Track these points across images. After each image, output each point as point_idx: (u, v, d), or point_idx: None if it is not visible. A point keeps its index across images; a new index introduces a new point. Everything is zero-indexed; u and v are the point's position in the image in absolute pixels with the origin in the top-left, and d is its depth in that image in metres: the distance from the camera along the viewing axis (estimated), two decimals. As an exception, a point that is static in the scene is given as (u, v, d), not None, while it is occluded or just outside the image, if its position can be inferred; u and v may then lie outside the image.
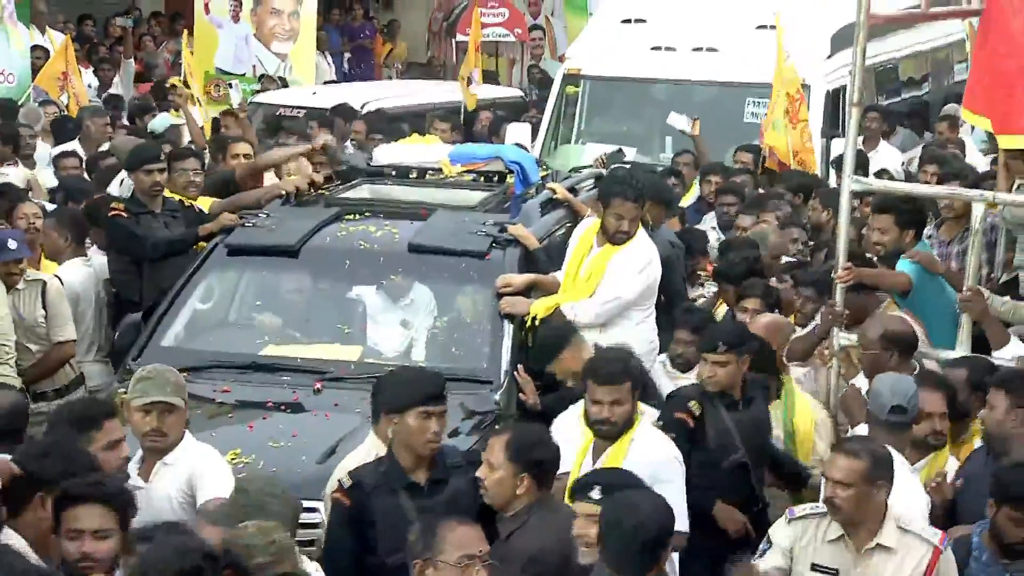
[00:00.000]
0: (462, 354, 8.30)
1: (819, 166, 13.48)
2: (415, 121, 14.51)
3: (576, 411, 7.00)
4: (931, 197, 9.36)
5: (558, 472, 6.32)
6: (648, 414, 7.07)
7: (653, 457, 6.61)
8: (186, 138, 13.82)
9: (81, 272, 9.29)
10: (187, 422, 6.78)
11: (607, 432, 6.75)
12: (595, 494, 5.66)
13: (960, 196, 9.35)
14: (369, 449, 6.65)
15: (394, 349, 8.41)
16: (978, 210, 8.34)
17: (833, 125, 14.44)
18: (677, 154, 13.08)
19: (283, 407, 7.89)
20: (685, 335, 8.39)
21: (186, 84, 14.48)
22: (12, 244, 8.60)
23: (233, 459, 7.27)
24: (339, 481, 6.41)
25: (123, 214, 9.43)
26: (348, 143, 14.32)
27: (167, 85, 15.53)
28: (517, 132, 13.81)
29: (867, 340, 7.83)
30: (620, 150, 13.29)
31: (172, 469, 6.61)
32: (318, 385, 8.01)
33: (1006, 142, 8.80)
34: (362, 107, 15.74)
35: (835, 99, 14.53)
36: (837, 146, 13.97)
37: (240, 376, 8.14)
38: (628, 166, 11.70)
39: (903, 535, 6.04)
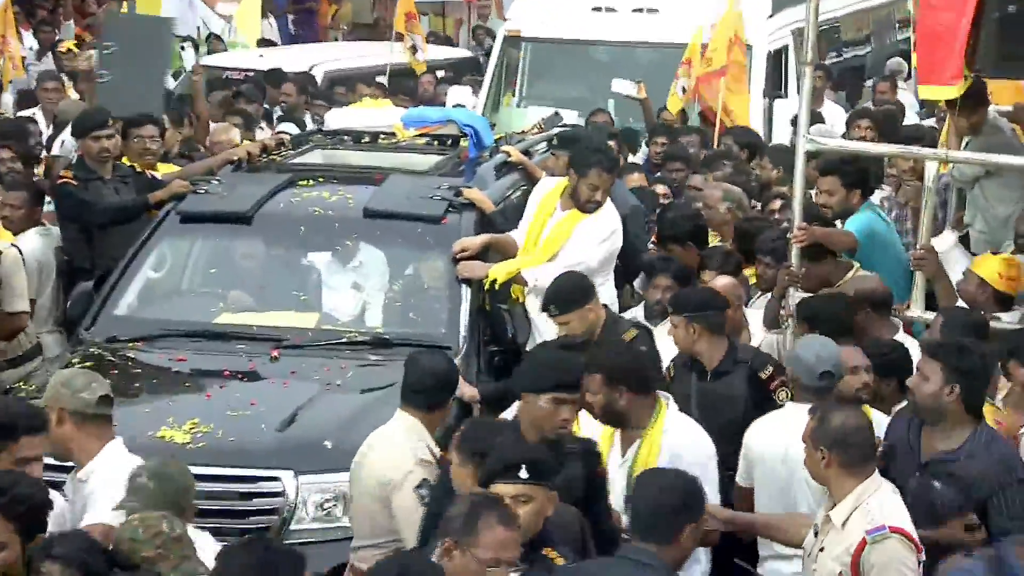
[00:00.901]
0: (419, 320, 8.23)
1: (761, 127, 13.51)
2: (352, 85, 14.45)
3: None
4: (882, 156, 9.33)
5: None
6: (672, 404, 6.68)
7: (691, 459, 6.18)
8: None
9: (40, 241, 9.15)
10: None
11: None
12: (523, 473, 5.40)
13: (913, 155, 9.41)
14: (397, 429, 6.56)
15: (350, 315, 8.34)
16: (931, 169, 8.32)
17: (776, 86, 14.47)
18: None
19: (240, 376, 7.81)
20: (665, 280, 8.29)
21: None
22: None
23: (192, 428, 7.22)
24: None
25: (72, 181, 9.30)
26: (277, 108, 14.21)
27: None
28: (458, 95, 13.75)
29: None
30: (556, 113, 13.20)
31: (84, 486, 6.18)
32: (275, 353, 7.93)
33: (926, 92, 8.81)
34: (310, 69, 15.62)
35: (776, 59, 14.56)
36: (780, 107, 14.08)
37: (195, 345, 8.05)
38: (570, 128, 11.59)
39: (855, 515, 5.79)
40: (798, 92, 9.10)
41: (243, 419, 7.35)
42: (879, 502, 5.75)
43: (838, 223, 8.91)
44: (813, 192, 9.19)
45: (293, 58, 16.05)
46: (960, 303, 8.24)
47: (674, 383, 7.21)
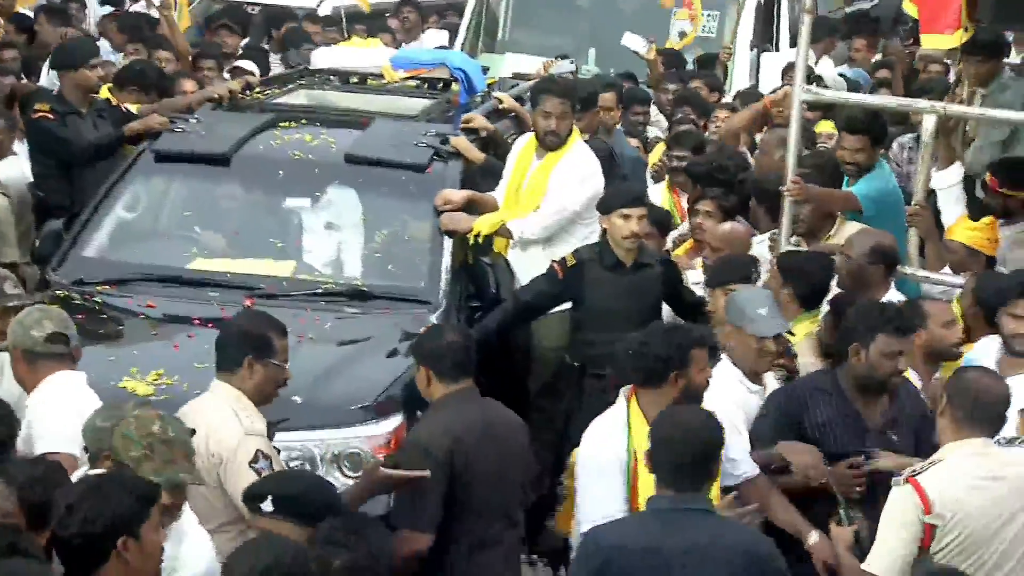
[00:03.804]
0: (399, 272, 7.92)
1: (747, 80, 13.26)
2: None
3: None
4: (881, 108, 9.13)
5: None
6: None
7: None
8: None
9: (16, 167, 8.86)
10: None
11: None
12: (267, 506, 5.09)
13: (911, 108, 9.32)
14: (216, 399, 6.06)
15: (328, 265, 8.03)
16: (929, 122, 8.19)
17: (765, 39, 14.22)
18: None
19: (211, 325, 7.49)
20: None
21: None
22: None
23: (156, 380, 6.90)
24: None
25: (49, 116, 8.97)
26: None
27: None
28: (435, 38, 13.40)
29: (855, 252, 7.48)
30: (566, 57, 12.87)
31: (27, 412, 6.01)
32: (249, 302, 7.61)
33: (928, 42, 8.79)
34: (318, 5, 15.28)
35: (767, 10, 14.30)
36: (767, 60, 13.85)
37: (166, 291, 7.73)
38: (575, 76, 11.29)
39: None
40: (791, 45, 8.95)
41: (211, 372, 7.01)
42: None
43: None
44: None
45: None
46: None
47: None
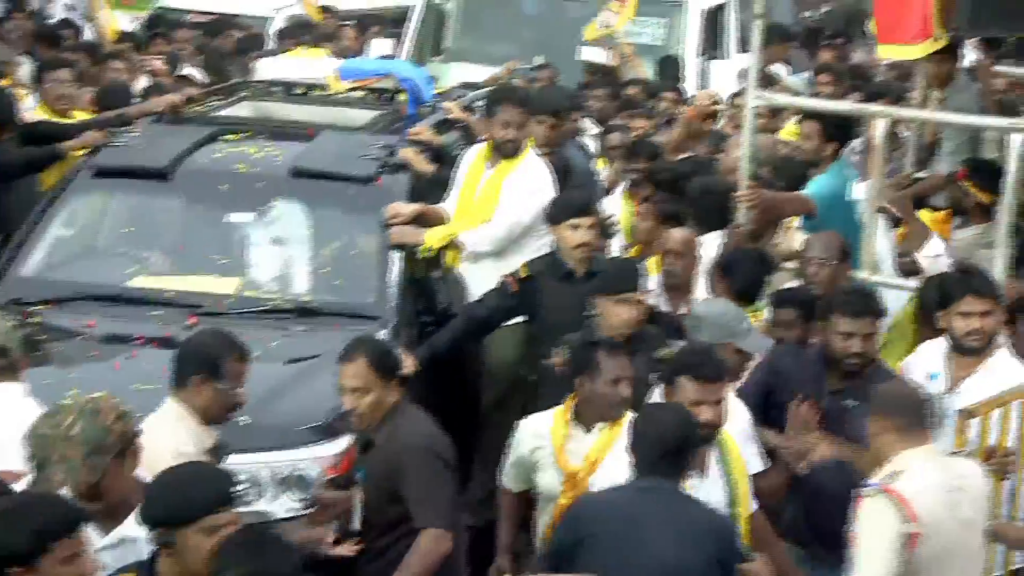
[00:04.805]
0: (347, 288, 7.71)
1: (694, 88, 13.20)
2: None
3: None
4: (833, 112, 9.04)
5: None
6: None
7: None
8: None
9: None
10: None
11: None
12: None
13: (863, 112, 9.23)
14: (159, 417, 5.84)
15: (274, 282, 7.81)
16: (880, 126, 8.18)
17: (712, 45, 14.15)
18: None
19: (154, 345, 7.27)
20: None
21: None
22: None
23: (96, 403, 6.67)
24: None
25: None
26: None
27: None
28: (381, 48, 13.25)
29: (826, 255, 7.48)
30: (541, 63, 12.69)
31: None
32: (192, 320, 7.39)
33: (885, 52, 8.74)
34: (276, 12, 15.10)
35: (712, 18, 14.25)
36: (716, 67, 13.80)
37: (106, 310, 7.50)
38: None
39: None
40: (741, 51, 8.93)
41: (154, 393, 6.78)
42: None
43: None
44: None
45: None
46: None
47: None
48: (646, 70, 13.16)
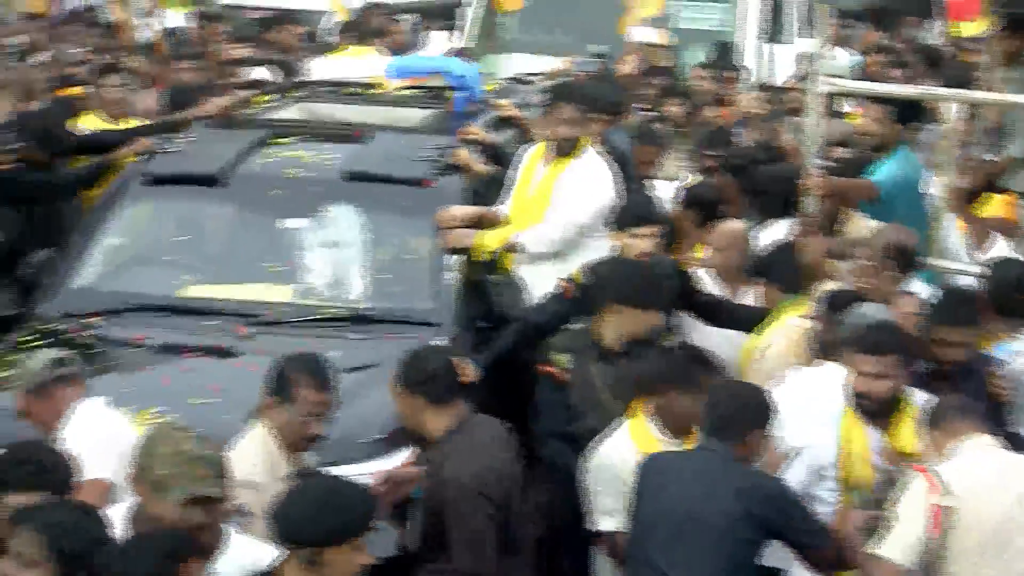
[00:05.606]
0: (404, 294, 7.55)
1: (756, 72, 13.01)
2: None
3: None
4: (906, 98, 8.80)
5: None
6: None
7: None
8: None
9: None
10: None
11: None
12: None
13: (936, 96, 9.10)
14: (245, 439, 5.67)
15: (328, 289, 7.63)
16: (952, 110, 8.16)
17: (775, 30, 13.98)
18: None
19: (206, 357, 7.12)
20: None
21: None
22: None
23: (150, 419, 6.45)
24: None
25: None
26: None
27: None
28: (438, 41, 13.09)
29: (867, 249, 7.18)
30: (600, 56, 12.50)
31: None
32: (244, 331, 7.24)
33: (955, 28, 8.85)
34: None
35: (774, 2, 14.08)
36: (779, 51, 13.58)
37: (158, 321, 7.36)
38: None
39: None
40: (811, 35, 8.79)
41: (207, 408, 6.64)
42: None
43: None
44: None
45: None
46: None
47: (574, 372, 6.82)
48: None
